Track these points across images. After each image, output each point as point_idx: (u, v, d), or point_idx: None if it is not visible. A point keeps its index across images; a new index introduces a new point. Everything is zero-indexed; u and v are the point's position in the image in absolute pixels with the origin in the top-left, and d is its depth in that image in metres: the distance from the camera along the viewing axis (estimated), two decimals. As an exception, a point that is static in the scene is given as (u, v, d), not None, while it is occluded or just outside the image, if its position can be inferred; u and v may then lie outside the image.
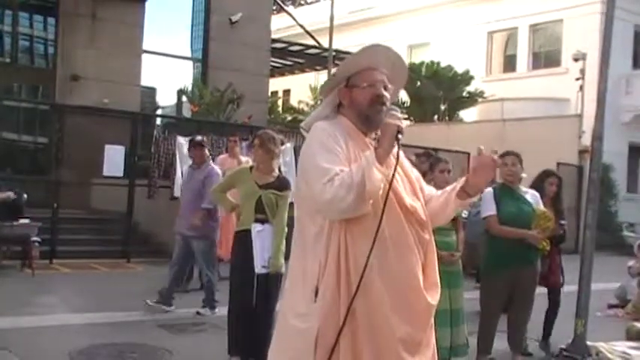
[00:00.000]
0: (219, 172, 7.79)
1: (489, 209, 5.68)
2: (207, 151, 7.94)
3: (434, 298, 2.61)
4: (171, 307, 7.59)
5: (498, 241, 5.62)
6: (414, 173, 2.81)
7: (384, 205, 2.42)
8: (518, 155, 5.84)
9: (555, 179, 6.73)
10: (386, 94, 2.67)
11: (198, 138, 8.11)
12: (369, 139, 2.69)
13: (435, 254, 2.69)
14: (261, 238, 5.27)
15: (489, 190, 5.74)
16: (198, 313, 7.52)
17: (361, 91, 2.66)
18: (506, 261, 5.58)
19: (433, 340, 2.68)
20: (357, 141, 2.63)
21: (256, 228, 5.29)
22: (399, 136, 2.48)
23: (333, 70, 2.53)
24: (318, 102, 2.81)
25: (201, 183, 7.59)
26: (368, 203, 2.43)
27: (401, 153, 2.55)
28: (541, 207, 5.78)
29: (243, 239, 5.35)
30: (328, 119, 2.70)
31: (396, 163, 2.47)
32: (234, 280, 5.46)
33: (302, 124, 2.80)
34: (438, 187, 5.61)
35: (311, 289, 2.52)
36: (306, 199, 2.59)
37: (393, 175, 2.47)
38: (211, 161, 8.93)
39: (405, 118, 24.75)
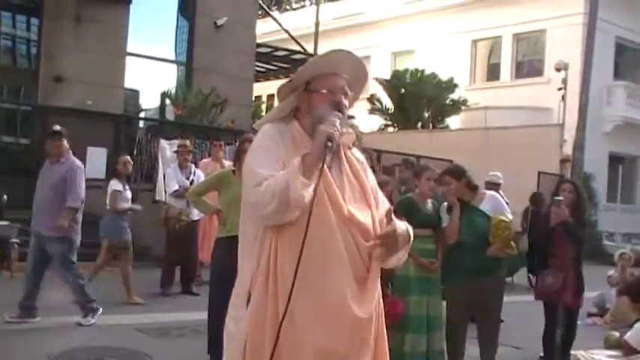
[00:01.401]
0: (81, 165, 7.09)
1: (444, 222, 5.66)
2: (66, 143, 7.00)
3: (365, 311, 2.47)
4: (35, 318, 6.86)
5: (456, 250, 5.52)
6: (371, 183, 2.70)
7: (309, 216, 2.32)
8: (453, 173, 5.64)
9: (569, 186, 6.40)
10: (345, 102, 2.59)
11: (57, 127, 7.21)
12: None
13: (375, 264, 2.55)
14: None
15: (444, 204, 5.71)
16: (79, 324, 6.84)
17: (320, 97, 2.57)
18: (464, 271, 5.46)
19: (371, 353, 2.54)
20: (301, 148, 2.50)
21: None
22: (329, 144, 2.38)
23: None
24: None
25: (62, 178, 6.86)
26: (293, 211, 2.36)
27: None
28: (504, 216, 5.58)
29: (229, 246, 5.23)
30: (279, 122, 2.63)
31: (320, 173, 2.36)
32: (217, 286, 5.32)
33: (254, 125, 2.75)
34: (424, 195, 5.66)
35: (244, 293, 2.50)
36: (246, 204, 2.59)
37: (317, 185, 2.35)
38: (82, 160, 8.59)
39: (389, 125, 24.83)
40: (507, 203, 6.81)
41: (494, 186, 9.13)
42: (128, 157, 8.71)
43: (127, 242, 8.33)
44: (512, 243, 5.57)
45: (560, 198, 6.00)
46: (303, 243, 2.30)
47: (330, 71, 2.61)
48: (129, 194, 8.54)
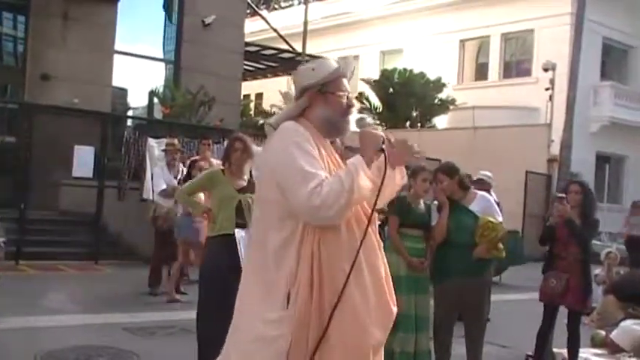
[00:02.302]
0: None
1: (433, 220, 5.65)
2: None
3: (395, 305, 2.66)
4: None
5: (445, 250, 5.50)
6: None
7: (370, 217, 2.46)
8: (446, 171, 5.61)
9: (576, 186, 6.33)
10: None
11: None
12: (333, 145, 2.73)
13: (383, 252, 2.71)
14: (245, 244, 5.15)
15: (434, 202, 5.70)
16: None
17: (336, 99, 2.69)
18: (449, 271, 5.45)
19: None
20: (325, 146, 2.64)
21: (240, 233, 5.15)
22: (383, 146, 2.51)
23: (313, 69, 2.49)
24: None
25: None
26: (351, 211, 2.45)
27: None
28: (491, 214, 5.56)
29: (222, 244, 5.22)
30: (296, 121, 2.66)
31: (384, 174, 2.48)
32: (208, 286, 5.30)
33: (270, 121, 2.73)
34: (418, 195, 5.67)
35: (282, 295, 2.45)
36: (275, 204, 2.52)
37: (381, 187, 2.47)
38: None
39: (378, 124, 24.92)
40: (498, 203, 6.80)
41: (484, 185, 9.14)
42: (202, 163, 8.72)
43: (200, 243, 8.35)
44: (500, 245, 5.56)
45: (562, 195, 5.99)
46: (363, 239, 2.47)
47: (343, 74, 2.74)
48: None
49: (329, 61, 2.78)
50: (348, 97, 2.72)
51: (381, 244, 2.66)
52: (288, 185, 2.45)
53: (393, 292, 2.69)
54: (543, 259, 6.54)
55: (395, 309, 2.63)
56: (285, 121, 2.66)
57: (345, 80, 2.74)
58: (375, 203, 2.49)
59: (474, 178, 8.49)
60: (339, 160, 2.70)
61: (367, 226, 2.49)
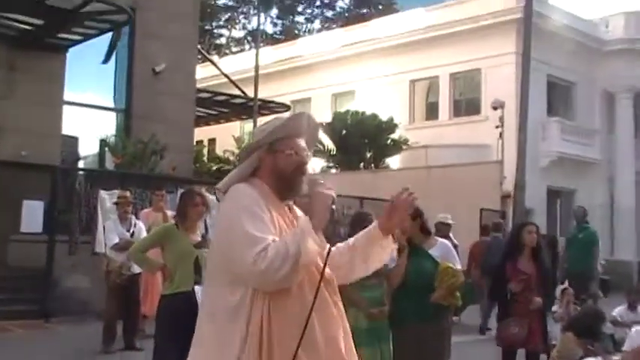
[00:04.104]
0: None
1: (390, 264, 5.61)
2: None
3: None
4: None
5: (403, 294, 5.44)
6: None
7: (320, 279, 2.38)
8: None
9: (533, 227, 6.46)
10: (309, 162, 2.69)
11: None
12: (285, 205, 2.66)
13: (346, 322, 2.64)
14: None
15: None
16: None
17: (286, 158, 2.64)
18: (407, 315, 5.40)
19: None
20: (276, 207, 2.58)
21: (200, 290, 4.98)
22: (333, 207, 2.48)
23: (260, 122, 2.48)
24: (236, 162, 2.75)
25: None
26: (300, 275, 2.39)
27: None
28: (451, 261, 5.54)
29: (181, 301, 5.07)
30: (246, 182, 2.63)
31: (333, 235, 2.47)
32: (164, 343, 5.14)
33: (218, 185, 2.69)
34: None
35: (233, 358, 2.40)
36: (223, 271, 2.49)
37: (330, 249, 2.43)
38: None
39: (331, 167, 25.00)
40: (457, 246, 6.81)
41: (445, 227, 9.18)
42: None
43: None
44: (457, 294, 5.54)
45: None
46: (312, 306, 2.37)
47: (294, 133, 2.69)
48: None
49: (284, 121, 2.73)
50: (299, 155, 2.65)
51: (342, 312, 2.59)
52: (235, 250, 2.41)
53: (355, 354, 2.62)
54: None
55: None
56: (234, 183, 2.61)
57: (298, 139, 2.69)
58: (324, 268, 2.42)
59: (435, 222, 8.54)
60: (294, 220, 2.64)
61: (317, 291, 2.39)
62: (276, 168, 2.63)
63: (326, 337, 2.45)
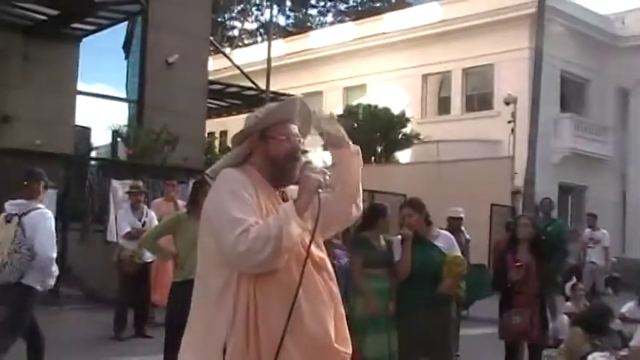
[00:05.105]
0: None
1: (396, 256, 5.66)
2: None
3: (347, 347, 2.56)
4: None
5: (409, 284, 5.51)
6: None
7: (305, 264, 2.36)
8: (415, 206, 5.68)
9: (527, 220, 6.53)
10: (302, 148, 2.65)
11: None
12: (277, 192, 2.63)
13: (341, 305, 2.62)
14: None
15: (398, 237, 5.70)
16: None
17: (278, 144, 2.61)
18: (416, 305, 5.44)
19: None
20: (267, 194, 2.56)
21: None
22: (320, 190, 2.45)
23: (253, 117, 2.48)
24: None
25: None
26: (283, 258, 2.36)
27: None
28: (455, 252, 5.64)
29: (187, 290, 5.09)
30: (236, 168, 2.61)
31: (317, 219, 2.41)
32: (174, 332, 5.18)
33: (208, 171, 2.69)
34: (380, 233, 5.67)
35: (218, 346, 2.39)
36: (211, 252, 2.49)
37: (313, 232, 2.41)
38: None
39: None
40: (468, 241, 6.86)
41: (456, 220, 9.18)
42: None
43: None
44: (462, 285, 5.60)
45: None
46: (298, 289, 2.34)
47: (285, 118, 2.65)
48: None
49: (274, 107, 2.71)
50: (291, 141, 2.62)
51: (334, 291, 2.57)
52: (218, 232, 2.42)
53: (349, 340, 2.60)
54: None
55: (347, 353, 2.53)
56: (223, 168, 2.61)
57: (290, 124, 2.66)
58: (308, 250, 2.40)
59: (447, 216, 8.55)
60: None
61: (302, 273, 2.37)
62: (268, 154, 2.61)
63: (314, 321, 2.43)
